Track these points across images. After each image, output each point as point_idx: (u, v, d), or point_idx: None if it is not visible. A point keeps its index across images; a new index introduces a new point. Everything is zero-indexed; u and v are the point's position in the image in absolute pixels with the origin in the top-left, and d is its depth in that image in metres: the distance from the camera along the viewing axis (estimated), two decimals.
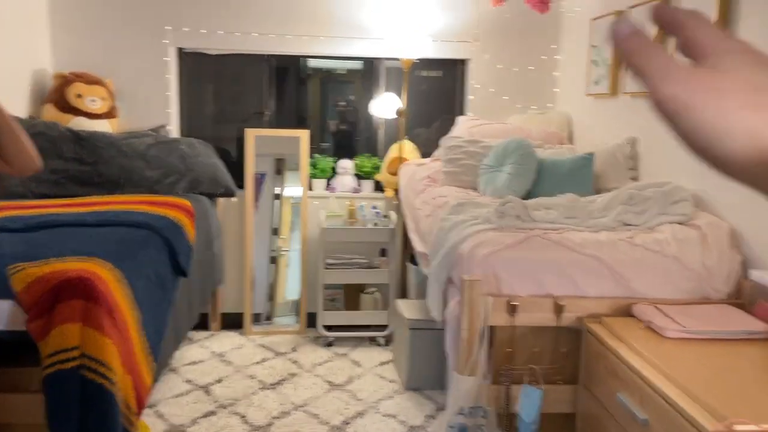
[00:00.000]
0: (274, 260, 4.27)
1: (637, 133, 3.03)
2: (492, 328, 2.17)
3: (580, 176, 2.98)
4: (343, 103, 4.44)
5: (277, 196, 4.25)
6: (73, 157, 3.26)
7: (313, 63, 4.26)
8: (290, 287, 4.30)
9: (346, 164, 4.10)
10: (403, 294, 3.92)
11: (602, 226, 2.37)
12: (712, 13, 2.40)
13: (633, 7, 3.03)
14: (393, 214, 3.87)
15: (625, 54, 0.36)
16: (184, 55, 3.97)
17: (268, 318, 4.19)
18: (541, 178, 3.05)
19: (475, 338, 2.15)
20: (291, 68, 4.26)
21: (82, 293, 1.97)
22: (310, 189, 4.08)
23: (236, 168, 3.96)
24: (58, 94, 3.48)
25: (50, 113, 3.45)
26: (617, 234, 2.31)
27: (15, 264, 2.04)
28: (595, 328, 2.06)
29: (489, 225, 2.36)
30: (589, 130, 3.61)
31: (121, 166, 3.35)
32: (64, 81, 3.50)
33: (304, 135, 3.98)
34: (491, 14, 3.89)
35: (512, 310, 2.12)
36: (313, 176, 4.09)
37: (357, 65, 4.32)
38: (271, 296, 4.25)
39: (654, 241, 2.25)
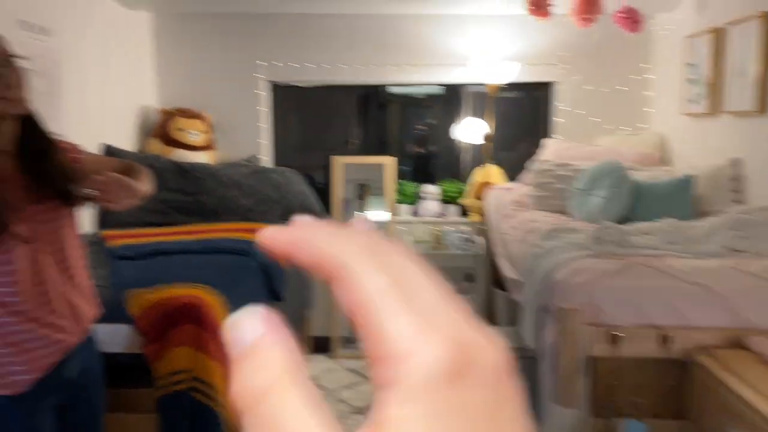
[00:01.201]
0: None
1: (742, 153, 2.89)
2: (592, 359, 2.11)
3: (679, 199, 2.87)
4: (422, 128, 4.49)
5: None
6: (176, 188, 3.46)
7: (393, 89, 4.34)
8: None
9: (430, 189, 4.13)
10: (491, 320, 3.87)
11: (708, 253, 2.27)
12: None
13: (729, 23, 2.92)
14: (479, 239, 3.85)
15: None
16: (275, 88, 4.14)
17: (353, 341, 4.25)
18: (637, 202, 2.95)
19: (574, 369, 2.10)
20: (372, 95, 4.35)
21: (192, 319, 2.08)
22: (396, 214, 4.13)
23: (322, 194, 4.07)
24: (163, 128, 3.71)
25: (155, 146, 3.68)
26: (725, 261, 2.20)
27: (132, 290, 2.18)
28: (706, 361, 1.96)
29: (585, 251, 2.31)
30: (686, 150, 3.47)
31: (219, 195, 3.52)
32: (168, 116, 3.74)
33: (389, 161, 4.05)
34: (578, 35, 3.83)
35: (614, 340, 2.06)
36: (398, 201, 4.14)
37: (437, 90, 4.36)
38: None
39: (766, 268, 2.13)
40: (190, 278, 2.31)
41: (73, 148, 1.57)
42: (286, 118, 4.29)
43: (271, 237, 0.24)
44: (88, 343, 1.55)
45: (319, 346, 4.06)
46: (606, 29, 3.71)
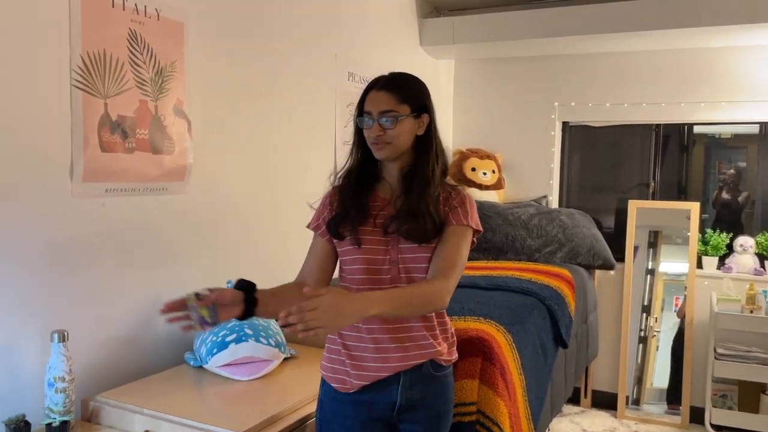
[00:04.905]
0: (642, 340, 3.95)
1: None
2: None
3: None
4: (730, 172, 3.95)
5: (650, 271, 3.95)
6: None
7: (697, 128, 3.92)
8: (658, 373, 3.91)
9: (745, 242, 3.60)
10: None
11: None
12: None
13: None
14: None
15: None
16: (568, 128, 4.08)
17: (635, 402, 3.87)
18: None
19: None
20: (672, 135, 3.99)
21: (480, 352, 2.11)
22: (699, 266, 3.69)
23: (610, 238, 3.83)
24: (457, 167, 3.92)
25: None
26: None
27: None
28: None
29: None
30: None
31: (505, 234, 3.57)
32: (462, 156, 3.94)
33: (694, 208, 3.65)
34: None
35: None
36: (703, 253, 3.69)
37: (749, 129, 3.80)
38: (639, 379, 3.92)
39: None
40: (478, 312, 2.36)
41: (464, 213, 1.53)
42: (574, 159, 4.19)
43: None
44: (427, 377, 1.54)
45: (601, 401, 3.79)
46: None
